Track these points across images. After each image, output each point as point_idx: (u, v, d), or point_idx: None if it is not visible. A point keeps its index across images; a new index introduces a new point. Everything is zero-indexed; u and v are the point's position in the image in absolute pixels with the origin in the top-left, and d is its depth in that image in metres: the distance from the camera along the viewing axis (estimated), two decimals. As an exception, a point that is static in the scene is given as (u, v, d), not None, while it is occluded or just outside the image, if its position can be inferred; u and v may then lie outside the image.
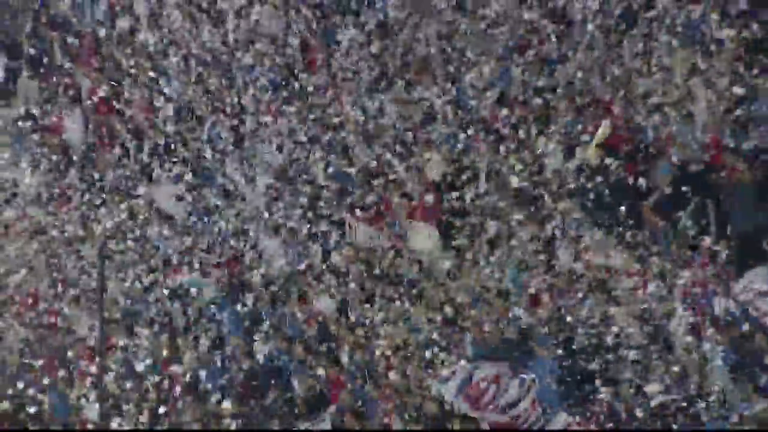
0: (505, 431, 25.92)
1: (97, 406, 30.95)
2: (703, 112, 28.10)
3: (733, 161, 26.79)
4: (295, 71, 36.33)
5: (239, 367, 30.24)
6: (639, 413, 25.15)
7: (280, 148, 34.66)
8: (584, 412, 25.60)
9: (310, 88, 35.78)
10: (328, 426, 27.86)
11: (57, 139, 38.94)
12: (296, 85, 35.90)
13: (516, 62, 32.22)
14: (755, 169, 26.63)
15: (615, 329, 26.52)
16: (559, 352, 26.38)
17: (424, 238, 30.59)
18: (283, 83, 36.18)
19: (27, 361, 32.94)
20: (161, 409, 30.60)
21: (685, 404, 24.79)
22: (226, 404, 29.73)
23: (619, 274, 27.33)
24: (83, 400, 31.38)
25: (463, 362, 27.27)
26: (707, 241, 26.37)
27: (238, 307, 31.65)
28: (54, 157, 38.57)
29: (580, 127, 29.60)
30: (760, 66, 28.40)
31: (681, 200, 27.29)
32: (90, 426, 30.71)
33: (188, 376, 30.65)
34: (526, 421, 25.89)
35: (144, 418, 30.53)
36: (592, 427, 25.09)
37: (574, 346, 26.60)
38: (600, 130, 29.51)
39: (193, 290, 32.64)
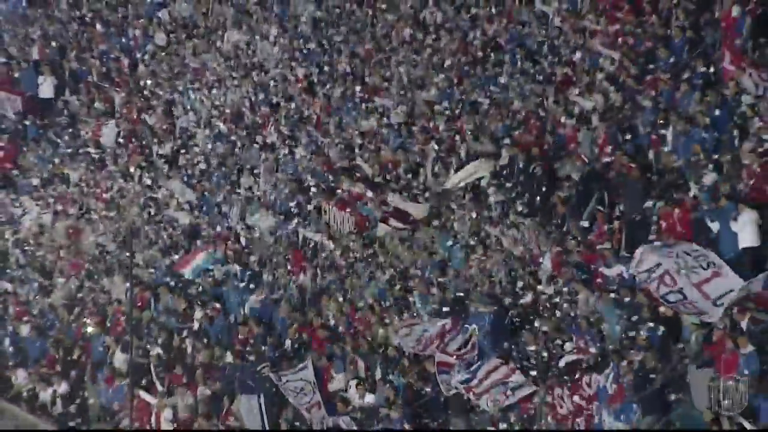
0: (448, 365, 25.85)
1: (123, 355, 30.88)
2: (596, 119, 28.51)
3: (625, 162, 27.05)
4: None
5: (237, 323, 30.11)
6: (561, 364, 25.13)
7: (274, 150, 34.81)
8: (510, 356, 25.63)
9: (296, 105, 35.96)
10: (310, 370, 27.22)
11: (95, 142, 38.88)
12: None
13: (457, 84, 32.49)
14: (641, 168, 26.91)
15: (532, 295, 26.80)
16: (494, 308, 26.44)
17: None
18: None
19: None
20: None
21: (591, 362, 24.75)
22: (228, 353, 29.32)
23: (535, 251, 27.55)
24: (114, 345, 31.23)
25: (417, 321, 27.30)
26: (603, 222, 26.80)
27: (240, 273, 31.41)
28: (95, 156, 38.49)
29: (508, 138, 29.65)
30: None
31: (585, 192, 27.59)
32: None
33: (198, 328, 30.50)
34: (466, 359, 25.80)
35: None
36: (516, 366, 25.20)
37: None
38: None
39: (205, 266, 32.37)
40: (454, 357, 26.09)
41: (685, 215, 25.73)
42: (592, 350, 24.96)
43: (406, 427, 25.58)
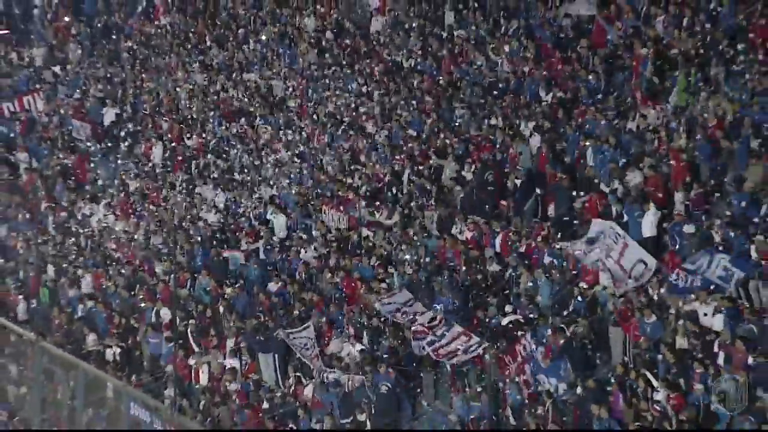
0: (420, 332, 25.94)
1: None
2: (535, 141, 28.66)
3: (555, 172, 27.37)
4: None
5: (259, 299, 29.90)
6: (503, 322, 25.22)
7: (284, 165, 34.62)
8: (469, 326, 25.66)
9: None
10: (311, 329, 27.19)
11: (147, 159, 38.86)
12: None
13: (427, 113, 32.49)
14: (569, 178, 27.18)
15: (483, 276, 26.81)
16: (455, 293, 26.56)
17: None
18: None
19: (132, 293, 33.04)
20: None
21: (525, 322, 25.01)
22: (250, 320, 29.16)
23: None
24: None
25: (396, 293, 27.08)
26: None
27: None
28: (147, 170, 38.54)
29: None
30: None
31: (525, 194, 27.81)
32: None
33: (227, 302, 30.29)
34: (434, 329, 25.67)
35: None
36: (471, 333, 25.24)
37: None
38: None
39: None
40: (427, 328, 25.95)
41: (602, 209, 25.95)
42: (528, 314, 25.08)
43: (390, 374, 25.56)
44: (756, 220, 23.47)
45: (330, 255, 29.84)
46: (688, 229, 24.23)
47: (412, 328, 26.10)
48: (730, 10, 27.71)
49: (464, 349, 25.13)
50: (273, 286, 30.15)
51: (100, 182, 39.22)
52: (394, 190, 30.95)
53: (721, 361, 21.90)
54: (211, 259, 32.12)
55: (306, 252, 30.25)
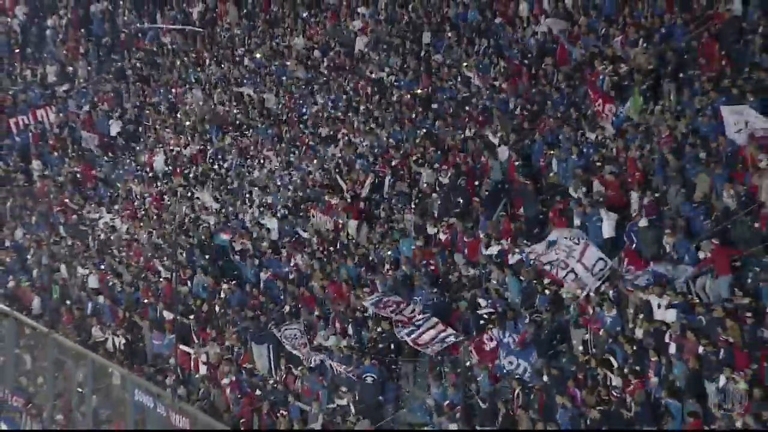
0: (401, 322, 25.92)
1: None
2: (504, 150, 28.53)
3: (522, 179, 27.40)
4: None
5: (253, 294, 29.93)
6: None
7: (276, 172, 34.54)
8: (447, 318, 25.67)
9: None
10: (301, 325, 27.21)
11: (150, 166, 38.72)
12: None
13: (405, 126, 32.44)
14: (534, 184, 27.22)
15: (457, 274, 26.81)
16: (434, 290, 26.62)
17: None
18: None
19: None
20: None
21: (496, 314, 24.96)
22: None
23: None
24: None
25: (378, 291, 27.19)
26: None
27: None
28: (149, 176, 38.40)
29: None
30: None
31: (495, 199, 27.80)
32: None
33: (223, 298, 30.24)
34: (413, 321, 25.69)
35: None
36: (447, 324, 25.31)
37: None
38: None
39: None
40: (407, 319, 25.97)
41: (565, 212, 25.98)
42: (499, 308, 25.09)
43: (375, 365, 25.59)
44: (705, 224, 23.53)
45: (318, 257, 29.79)
46: (642, 223, 24.21)
47: (394, 318, 26.07)
48: (682, 30, 27.77)
49: (440, 339, 25.15)
50: (263, 276, 30.15)
51: (106, 188, 39.16)
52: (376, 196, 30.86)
53: (673, 350, 21.96)
54: (209, 260, 32.13)
55: (297, 256, 30.17)
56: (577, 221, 25.57)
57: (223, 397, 27.73)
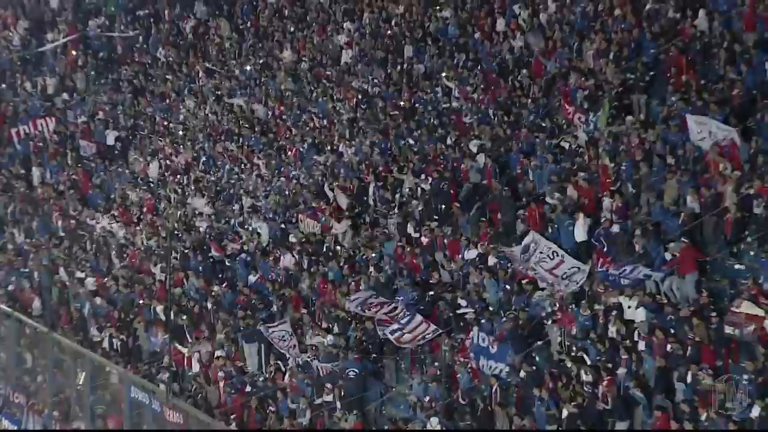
0: (384, 321, 26.01)
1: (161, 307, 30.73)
2: (482, 157, 28.69)
3: (499, 186, 27.48)
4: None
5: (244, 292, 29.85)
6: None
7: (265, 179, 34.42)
8: (429, 317, 25.64)
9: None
10: (288, 324, 27.18)
11: (145, 174, 38.56)
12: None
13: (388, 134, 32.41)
14: (511, 190, 27.26)
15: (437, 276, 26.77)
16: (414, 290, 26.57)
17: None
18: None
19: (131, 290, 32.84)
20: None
21: (475, 314, 25.02)
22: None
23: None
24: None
25: (361, 293, 27.16)
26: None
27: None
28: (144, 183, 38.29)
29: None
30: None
31: (473, 204, 27.86)
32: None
33: (215, 299, 30.29)
34: (397, 318, 25.76)
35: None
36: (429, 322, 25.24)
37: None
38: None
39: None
40: (390, 318, 26.01)
41: (540, 217, 25.97)
42: (477, 309, 25.12)
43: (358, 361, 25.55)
44: (674, 227, 23.59)
45: (306, 260, 29.78)
46: (615, 229, 24.30)
47: (376, 317, 26.07)
48: (650, 45, 27.84)
49: (422, 335, 25.19)
50: (252, 278, 30.13)
51: (103, 194, 38.97)
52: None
53: (642, 347, 22.03)
54: (202, 262, 32.04)
55: (285, 258, 30.10)
56: (551, 225, 25.62)
57: (217, 393, 27.68)
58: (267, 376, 27.50)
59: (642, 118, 26.59)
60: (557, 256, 24.53)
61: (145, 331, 30.84)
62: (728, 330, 21.40)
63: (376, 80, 35.11)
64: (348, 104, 35.06)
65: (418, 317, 25.50)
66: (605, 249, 24.31)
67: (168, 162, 38.11)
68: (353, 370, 25.52)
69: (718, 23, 27.02)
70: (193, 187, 35.98)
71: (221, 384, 27.70)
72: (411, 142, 31.40)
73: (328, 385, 25.76)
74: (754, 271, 22.45)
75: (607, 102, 27.09)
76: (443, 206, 28.33)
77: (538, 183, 26.96)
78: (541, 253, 24.73)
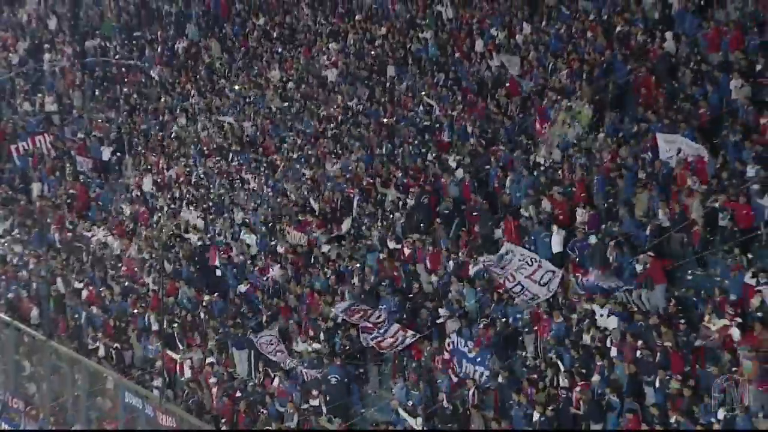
0: (367, 328, 25.98)
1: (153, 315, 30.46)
2: (461, 172, 28.69)
3: (478, 199, 27.41)
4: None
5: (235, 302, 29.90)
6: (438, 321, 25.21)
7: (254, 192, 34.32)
8: (408, 325, 25.64)
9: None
10: (275, 330, 27.15)
11: (138, 188, 38.19)
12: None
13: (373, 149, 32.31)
14: (489, 203, 27.21)
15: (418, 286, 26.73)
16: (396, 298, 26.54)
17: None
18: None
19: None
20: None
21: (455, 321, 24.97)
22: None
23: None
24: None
25: (345, 302, 27.16)
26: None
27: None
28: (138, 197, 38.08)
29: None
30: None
31: (453, 218, 27.70)
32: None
33: (206, 307, 30.07)
34: (377, 326, 25.82)
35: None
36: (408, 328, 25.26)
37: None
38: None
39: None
40: (372, 325, 26.00)
41: (516, 230, 25.94)
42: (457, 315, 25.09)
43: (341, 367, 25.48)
44: (644, 239, 23.59)
45: (293, 270, 29.68)
46: (592, 239, 24.29)
47: (360, 325, 26.04)
48: (621, 65, 27.88)
49: (401, 341, 25.22)
50: (242, 287, 30.05)
51: (99, 207, 38.74)
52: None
53: (614, 354, 22.03)
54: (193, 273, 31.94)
55: (273, 269, 30.01)
56: (527, 237, 25.58)
57: (209, 398, 27.55)
58: (256, 381, 27.39)
59: (614, 134, 26.53)
60: (535, 261, 24.53)
61: (138, 340, 30.65)
62: (698, 343, 21.38)
63: (360, 98, 35.05)
64: (333, 121, 34.97)
65: (396, 326, 25.49)
66: (579, 260, 24.28)
67: (160, 176, 37.91)
68: (335, 377, 25.50)
69: (685, 45, 27.09)
70: (185, 201, 35.81)
71: (213, 390, 27.56)
72: (393, 157, 31.34)
73: (314, 391, 25.68)
74: (721, 281, 22.48)
75: (582, 118, 27.06)
76: (425, 216, 28.19)
77: (514, 197, 26.92)
78: (519, 260, 24.73)
